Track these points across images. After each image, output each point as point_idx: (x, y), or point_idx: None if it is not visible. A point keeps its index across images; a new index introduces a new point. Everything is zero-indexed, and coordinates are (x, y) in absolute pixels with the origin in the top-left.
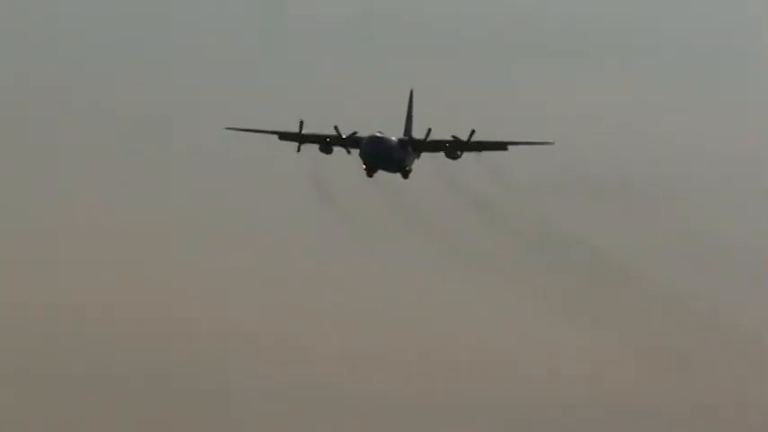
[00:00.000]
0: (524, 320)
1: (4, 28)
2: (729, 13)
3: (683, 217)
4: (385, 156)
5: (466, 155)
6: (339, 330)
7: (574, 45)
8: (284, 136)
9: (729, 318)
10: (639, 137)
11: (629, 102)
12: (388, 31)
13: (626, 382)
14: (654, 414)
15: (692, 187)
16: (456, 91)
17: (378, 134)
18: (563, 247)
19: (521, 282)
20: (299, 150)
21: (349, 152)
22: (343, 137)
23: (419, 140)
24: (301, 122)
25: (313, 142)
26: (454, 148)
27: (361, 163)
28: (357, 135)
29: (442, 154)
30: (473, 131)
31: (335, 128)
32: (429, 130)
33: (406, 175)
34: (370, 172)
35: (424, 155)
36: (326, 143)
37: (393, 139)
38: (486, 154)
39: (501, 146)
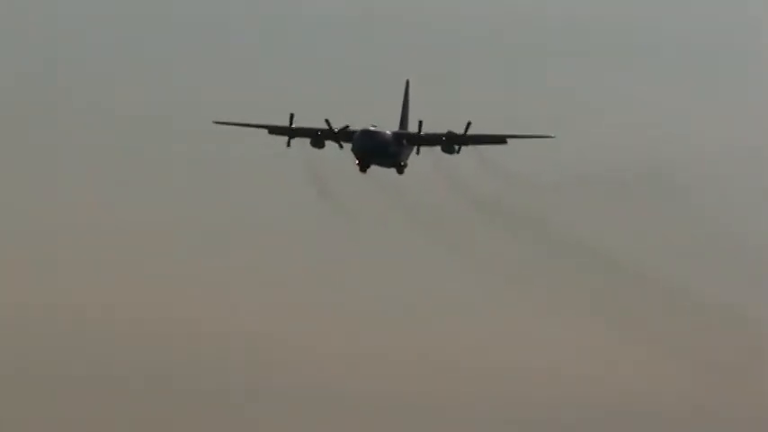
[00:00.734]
0: (525, 319)
1: (3, 28)
2: (729, 13)
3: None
4: (378, 150)
5: (465, 150)
6: (339, 330)
7: (573, 45)
8: (274, 130)
9: (733, 314)
10: (639, 134)
11: (628, 100)
12: (387, 30)
13: (628, 381)
14: (657, 415)
15: (693, 184)
16: (455, 90)
17: (371, 127)
18: (564, 245)
19: (521, 280)
20: (288, 145)
21: (341, 146)
22: (335, 130)
23: (414, 134)
24: (291, 116)
25: (304, 136)
26: (451, 141)
27: (354, 158)
28: (349, 129)
29: (438, 149)
30: (469, 123)
31: (326, 121)
32: (420, 123)
33: (401, 170)
34: (364, 167)
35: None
36: (318, 137)
37: (387, 132)
38: (484, 148)
39: (500, 139)
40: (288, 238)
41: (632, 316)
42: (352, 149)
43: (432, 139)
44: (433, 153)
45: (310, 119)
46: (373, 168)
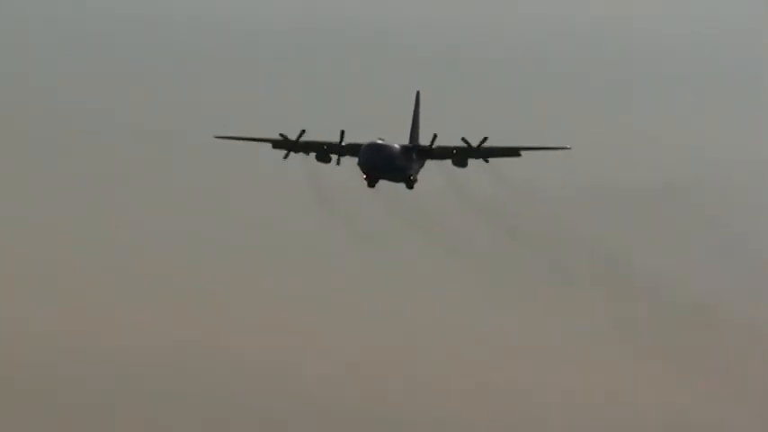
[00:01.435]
0: (535, 338)
1: (4, 28)
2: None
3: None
4: (386, 164)
5: (478, 163)
6: (349, 346)
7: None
8: (278, 144)
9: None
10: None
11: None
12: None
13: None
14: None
15: (714, 198)
16: (465, 102)
17: (378, 141)
18: (584, 261)
19: (540, 299)
20: (285, 157)
21: (338, 162)
22: (343, 144)
23: (425, 147)
24: (302, 132)
25: (309, 150)
26: (463, 155)
27: (361, 172)
28: (355, 142)
29: (448, 162)
30: (485, 139)
31: (341, 132)
32: (435, 136)
33: (410, 184)
34: (372, 182)
35: (430, 163)
36: (324, 151)
37: (395, 145)
38: (497, 161)
39: (514, 152)
40: (290, 254)
41: (659, 329)
42: (359, 163)
43: (442, 153)
44: (444, 167)
45: (318, 132)
46: (381, 182)
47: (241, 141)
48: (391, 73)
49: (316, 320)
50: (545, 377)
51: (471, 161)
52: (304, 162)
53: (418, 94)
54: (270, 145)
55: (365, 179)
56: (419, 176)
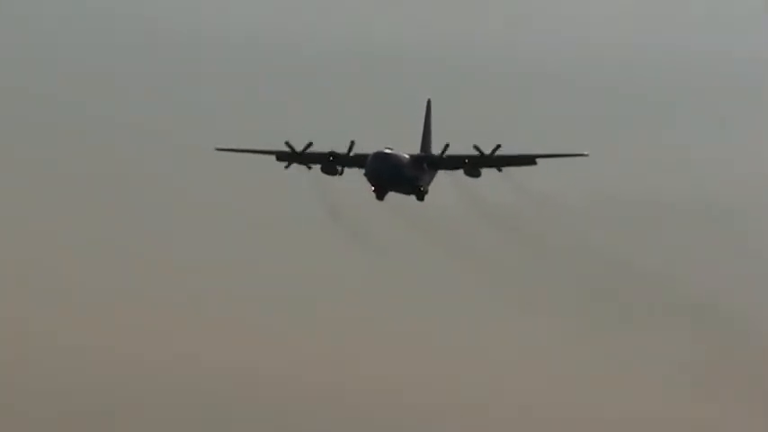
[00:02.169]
0: (562, 354)
1: (4, 28)
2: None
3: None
4: (393, 174)
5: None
6: (366, 364)
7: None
8: (282, 156)
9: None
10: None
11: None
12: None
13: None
14: None
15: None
16: (476, 112)
17: (385, 150)
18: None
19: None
20: (287, 167)
21: (341, 172)
22: (350, 154)
23: (436, 157)
24: (309, 143)
25: (314, 162)
26: (476, 164)
27: (369, 183)
28: (362, 153)
29: (460, 173)
30: (498, 146)
31: (351, 143)
32: (447, 146)
33: (421, 196)
34: (380, 194)
35: (441, 174)
36: (330, 162)
37: (404, 155)
38: (511, 170)
39: (529, 160)
40: (295, 266)
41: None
42: (365, 174)
43: (454, 162)
44: (457, 178)
45: (327, 144)
46: (391, 194)
47: (244, 153)
48: (402, 83)
49: (324, 335)
50: (565, 393)
51: (485, 171)
52: (310, 175)
53: (429, 102)
54: (274, 157)
55: (373, 191)
56: (429, 188)
